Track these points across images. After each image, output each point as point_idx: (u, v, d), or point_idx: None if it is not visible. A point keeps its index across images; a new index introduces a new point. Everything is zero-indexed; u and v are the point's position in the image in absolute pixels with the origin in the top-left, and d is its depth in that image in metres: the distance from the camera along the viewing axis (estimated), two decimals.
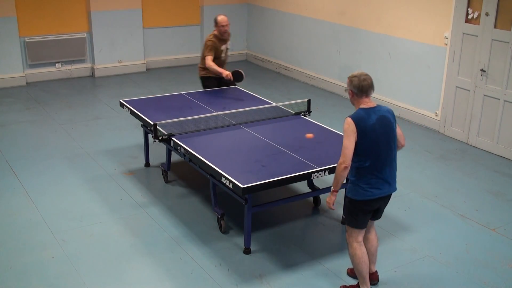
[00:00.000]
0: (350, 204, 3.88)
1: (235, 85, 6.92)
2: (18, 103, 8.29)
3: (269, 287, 4.20)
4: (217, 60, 6.66)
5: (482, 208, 5.50)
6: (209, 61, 6.53)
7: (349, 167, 3.69)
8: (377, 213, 3.99)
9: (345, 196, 3.94)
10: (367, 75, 3.77)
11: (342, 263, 4.52)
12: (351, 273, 4.32)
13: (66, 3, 9.32)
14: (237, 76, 6.69)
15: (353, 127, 3.65)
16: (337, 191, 3.82)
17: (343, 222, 5.12)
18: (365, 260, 3.93)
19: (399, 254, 4.68)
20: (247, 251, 4.61)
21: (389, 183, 3.84)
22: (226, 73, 6.55)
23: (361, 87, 3.72)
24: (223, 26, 6.60)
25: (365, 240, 4.07)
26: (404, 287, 4.25)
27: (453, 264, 4.54)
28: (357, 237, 3.92)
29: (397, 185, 3.87)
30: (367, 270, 3.96)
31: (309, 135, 5.21)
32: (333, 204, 3.86)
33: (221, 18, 6.64)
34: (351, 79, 3.76)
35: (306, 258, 4.57)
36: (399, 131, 3.90)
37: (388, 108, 3.86)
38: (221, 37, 6.66)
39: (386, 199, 3.92)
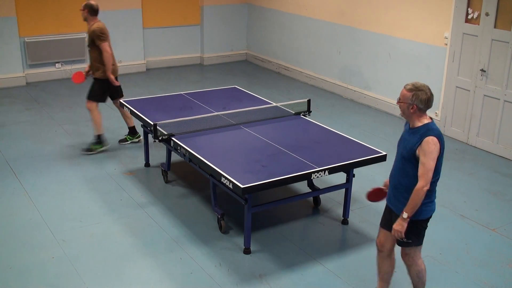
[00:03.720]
0: (419, 226, 3.62)
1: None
2: (18, 103, 8.29)
3: (269, 287, 4.20)
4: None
5: (482, 208, 5.50)
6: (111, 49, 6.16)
7: None
8: None
9: (411, 221, 3.58)
10: (429, 87, 3.46)
11: (342, 263, 4.53)
12: None
13: (66, 3, 9.31)
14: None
15: (438, 147, 3.41)
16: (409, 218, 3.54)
17: (343, 222, 5.13)
18: None
19: (399, 254, 4.67)
20: (247, 251, 4.61)
21: None
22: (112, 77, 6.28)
23: (428, 102, 3.43)
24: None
25: (389, 258, 3.97)
26: (404, 287, 4.25)
27: (453, 264, 4.54)
28: (420, 253, 3.85)
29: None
30: None
31: None
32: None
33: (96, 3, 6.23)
34: (417, 93, 3.40)
35: (306, 258, 4.57)
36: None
37: None
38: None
39: None
